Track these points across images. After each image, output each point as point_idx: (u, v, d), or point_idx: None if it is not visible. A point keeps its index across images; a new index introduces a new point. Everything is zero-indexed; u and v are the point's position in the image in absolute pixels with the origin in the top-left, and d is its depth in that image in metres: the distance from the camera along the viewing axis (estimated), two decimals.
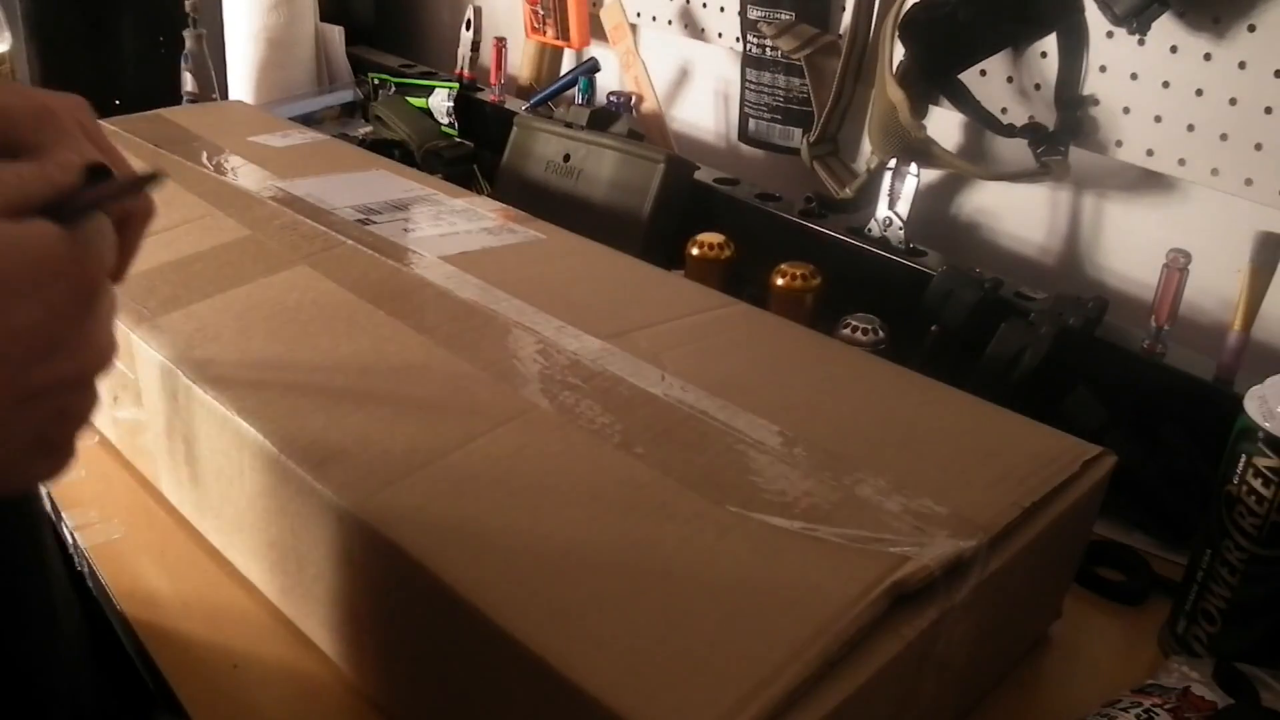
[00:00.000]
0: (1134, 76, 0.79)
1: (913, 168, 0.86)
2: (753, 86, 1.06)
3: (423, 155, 1.14)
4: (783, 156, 1.06)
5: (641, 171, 0.97)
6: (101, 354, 0.34)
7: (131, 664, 0.56)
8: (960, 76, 0.88)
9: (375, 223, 0.76)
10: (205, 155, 0.89)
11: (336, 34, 1.37)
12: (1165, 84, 0.78)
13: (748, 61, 1.05)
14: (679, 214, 0.97)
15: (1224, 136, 0.75)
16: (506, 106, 1.20)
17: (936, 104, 0.91)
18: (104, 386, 0.35)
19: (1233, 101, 0.74)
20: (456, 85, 1.24)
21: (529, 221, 0.80)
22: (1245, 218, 0.76)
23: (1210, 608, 0.56)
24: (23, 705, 0.49)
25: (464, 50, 1.27)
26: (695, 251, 0.88)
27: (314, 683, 0.53)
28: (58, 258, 0.32)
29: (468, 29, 1.27)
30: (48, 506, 0.63)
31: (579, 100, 1.18)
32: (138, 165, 0.40)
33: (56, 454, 0.35)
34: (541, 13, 1.22)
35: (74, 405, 0.34)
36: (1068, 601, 0.60)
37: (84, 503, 0.64)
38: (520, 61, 1.31)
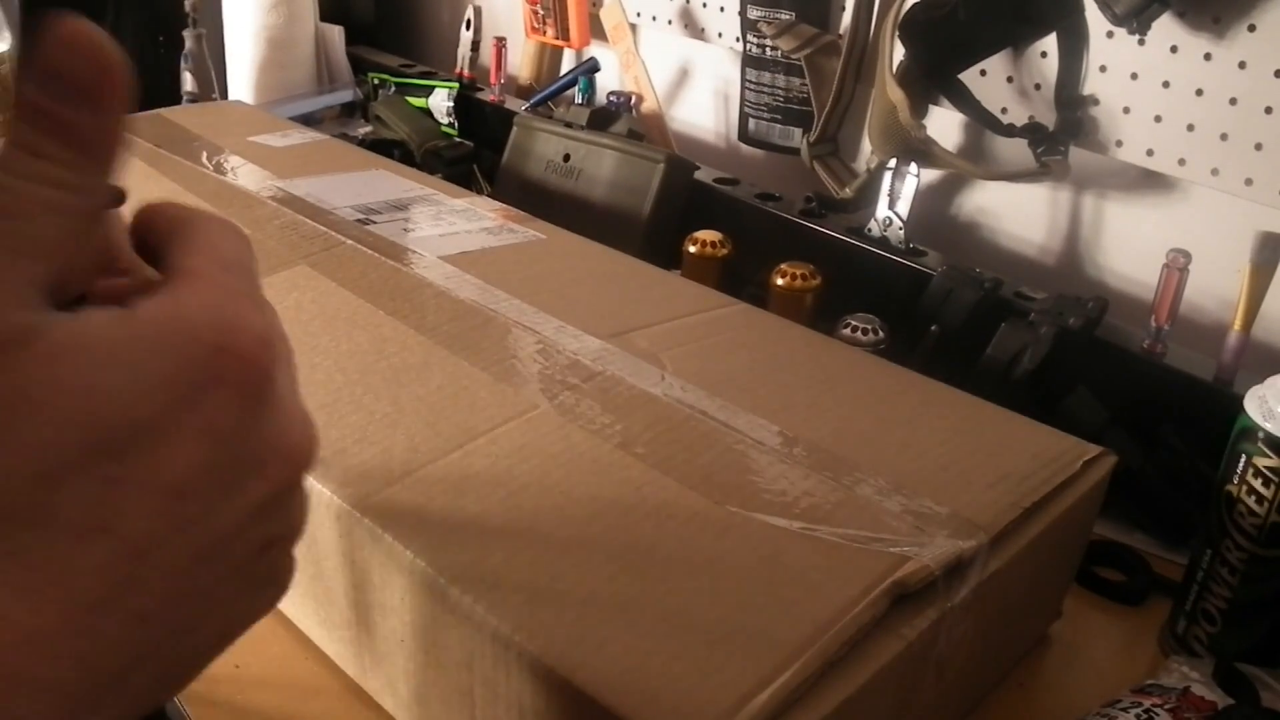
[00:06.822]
0: (1134, 76, 0.79)
1: (913, 168, 0.86)
2: (753, 86, 1.06)
3: (423, 155, 1.14)
4: (783, 156, 1.06)
5: (641, 171, 0.97)
6: (297, 448, 0.24)
7: None
8: (960, 76, 0.88)
9: (375, 223, 0.76)
10: (205, 155, 0.89)
11: (336, 34, 1.37)
12: (1165, 84, 0.78)
13: (748, 61, 1.05)
14: (679, 214, 0.97)
15: (1224, 136, 0.75)
16: (506, 106, 1.20)
17: (936, 104, 0.91)
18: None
19: (1233, 101, 0.74)
20: (456, 85, 1.24)
21: (529, 221, 0.80)
22: (1245, 218, 0.76)
23: (1210, 608, 0.56)
24: None
25: (464, 50, 1.27)
26: (693, 249, 0.88)
27: (314, 683, 0.53)
28: (206, 353, 0.22)
29: (468, 29, 1.27)
30: None
31: (579, 100, 1.18)
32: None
33: (272, 584, 0.26)
34: (541, 12, 1.22)
35: (278, 525, 0.24)
36: (1068, 601, 0.60)
37: None
38: (520, 61, 1.31)
